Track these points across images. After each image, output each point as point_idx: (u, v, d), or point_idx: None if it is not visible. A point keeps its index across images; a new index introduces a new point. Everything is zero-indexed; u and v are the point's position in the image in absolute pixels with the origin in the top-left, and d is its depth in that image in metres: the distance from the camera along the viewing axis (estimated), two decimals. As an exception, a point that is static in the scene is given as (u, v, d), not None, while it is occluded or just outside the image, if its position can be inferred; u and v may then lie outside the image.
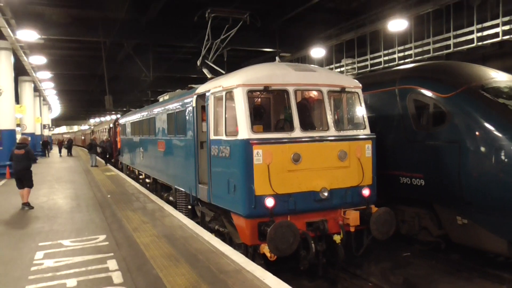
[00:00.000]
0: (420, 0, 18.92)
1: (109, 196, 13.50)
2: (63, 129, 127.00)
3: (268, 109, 9.44)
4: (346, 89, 8.05)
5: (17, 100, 28.30)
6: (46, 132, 50.73)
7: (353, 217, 7.37)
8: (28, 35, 18.02)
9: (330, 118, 7.64)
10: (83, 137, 66.23)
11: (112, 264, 6.59)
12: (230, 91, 7.48)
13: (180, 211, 10.69)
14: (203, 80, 11.16)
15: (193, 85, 10.93)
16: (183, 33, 22.93)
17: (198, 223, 9.45)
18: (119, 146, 24.37)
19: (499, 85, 8.42)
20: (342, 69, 24.59)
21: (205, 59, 11.42)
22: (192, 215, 10.30)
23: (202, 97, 8.96)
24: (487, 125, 7.54)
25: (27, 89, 32.40)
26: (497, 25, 16.07)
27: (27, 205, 11.80)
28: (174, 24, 22.60)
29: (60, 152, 42.59)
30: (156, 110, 13.47)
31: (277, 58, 8.88)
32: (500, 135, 7.35)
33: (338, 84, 7.96)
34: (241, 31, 11.61)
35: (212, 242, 7.64)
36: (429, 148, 8.47)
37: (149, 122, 14.65)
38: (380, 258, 9.03)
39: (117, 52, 27.80)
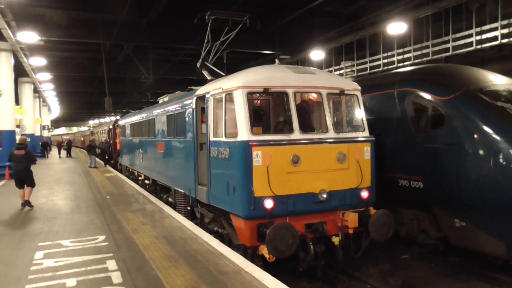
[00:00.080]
0: (419, 3, 18.98)
1: (108, 197, 13.52)
2: (62, 130, 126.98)
3: (267, 111, 9.48)
4: (345, 92, 8.08)
5: (17, 101, 28.31)
6: (46, 133, 50.73)
7: (351, 219, 7.40)
8: (29, 36, 18.06)
9: (329, 120, 7.68)
10: (82, 139, 66.25)
11: (111, 264, 6.62)
12: (230, 93, 7.52)
13: (179, 213, 10.71)
14: (202, 82, 11.20)
15: (193, 87, 10.98)
16: (183, 35, 22.98)
17: (197, 224, 9.47)
18: (118, 147, 24.39)
19: (498, 88, 8.46)
20: (341, 71, 24.65)
21: (205, 61, 11.46)
22: (191, 216, 10.32)
23: (202, 99, 9.00)
24: (485, 128, 7.57)
25: (27, 90, 32.43)
26: (496, 28, 16.12)
27: (27, 204, 11.90)
28: (174, 26, 22.65)
29: (59, 153, 42.59)
30: (156, 111, 13.50)
31: (276, 60, 8.93)
32: (498, 138, 7.38)
33: (337, 86, 8.00)
34: (241, 34, 11.67)
35: (211, 243, 7.66)
36: (428, 150, 8.50)
37: (148, 124, 14.68)
38: (378, 260, 9.04)
39: (117, 54, 27.84)
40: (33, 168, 12.55)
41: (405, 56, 20.39)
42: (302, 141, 7.28)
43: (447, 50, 18.31)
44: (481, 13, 16.98)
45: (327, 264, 7.82)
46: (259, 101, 8.74)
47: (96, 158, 27.16)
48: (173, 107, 11.31)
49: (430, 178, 8.44)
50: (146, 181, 16.18)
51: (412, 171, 8.85)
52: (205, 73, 11.37)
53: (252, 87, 7.31)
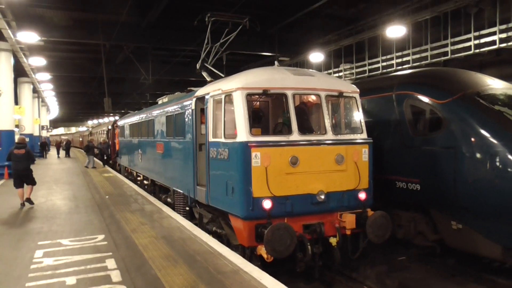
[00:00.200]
0: (418, 7, 19.11)
1: (107, 197, 13.55)
2: (60, 130, 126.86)
3: (266, 113, 9.54)
4: (344, 94, 8.14)
5: (16, 101, 28.31)
6: (44, 134, 50.69)
7: (349, 220, 7.45)
8: (29, 37, 18.10)
9: (327, 122, 7.74)
10: (81, 139, 66.23)
11: (110, 263, 6.66)
12: (229, 94, 7.57)
13: (178, 213, 10.75)
14: (202, 83, 11.25)
15: (192, 88, 11.03)
16: (182, 36, 23.08)
17: (196, 224, 9.51)
18: (117, 148, 24.42)
19: (495, 92, 8.53)
20: (340, 74, 24.74)
21: (205, 62, 11.51)
22: (190, 216, 10.36)
23: (201, 100, 9.05)
24: (482, 131, 7.63)
25: (26, 90, 32.41)
26: (494, 33, 16.25)
27: (29, 201, 12.09)
28: (174, 27, 22.74)
29: (58, 153, 42.57)
30: (155, 112, 13.55)
31: (276, 62, 8.98)
32: (495, 141, 7.44)
33: (336, 88, 8.06)
34: (241, 35, 11.73)
35: (210, 243, 7.71)
36: (425, 153, 8.55)
37: (148, 124, 14.72)
38: (376, 261, 9.08)
39: (117, 54, 27.90)
40: (32, 168, 12.59)
41: (404, 59, 20.49)
42: (301, 143, 7.34)
43: (445, 54, 18.43)
44: (480, 18, 17.10)
45: (324, 265, 7.85)
46: (258, 103, 8.79)
47: (95, 159, 27.16)
48: (172, 108, 11.36)
49: (428, 181, 8.50)
50: (145, 182, 16.22)
51: (409, 174, 8.90)
52: (204, 74, 11.42)
53: (251, 88, 7.37)
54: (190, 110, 9.65)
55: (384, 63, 21.67)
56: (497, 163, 7.33)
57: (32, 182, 12.34)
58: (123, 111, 38.37)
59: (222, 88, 7.86)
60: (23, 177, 12.01)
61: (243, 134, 7.10)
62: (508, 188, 7.17)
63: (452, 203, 8.04)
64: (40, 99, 42.93)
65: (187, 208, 10.47)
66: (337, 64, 25.33)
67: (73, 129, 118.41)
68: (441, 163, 8.18)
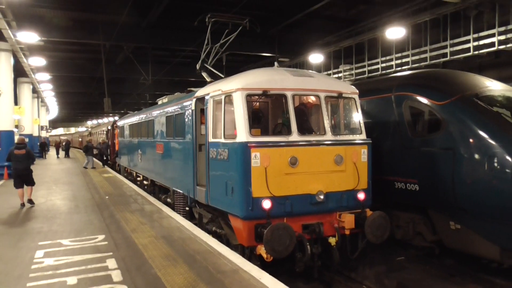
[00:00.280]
0: (417, 9, 19.16)
1: (107, 197, 13.58)
2: (60, 130, 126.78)
3: (266, 113, 9.58)
4: (343, 95, 8.19)
5: (16, 101, 28.33)
6: (44, 134, 50.67)
7: (348, 220, 7.49)
8: (29, 37, 18.13)
9: (327, 123, 7.78)
10: (80, 139, 66.20)
11: (111, 263, 6.69)
12: (229, 95, 7.61)
13: (178, 213, 10.78)
14: (201, 83, 11.29)
15: (192, 89, 11.06)
16: (182, 36, 23.10)
17: (195, 224, 9.55)
18: (117, 148, 24.45)
19: (493, 93, 8.57)
20: (340, 75, 24.79)
21: (204, 63, 11.55)
22: (189, 216, 10.40)
23: (201, 100, 9.09)
24: (480, 132, 7.67)
25: (25, 90, 32.41)
26: (493, 35, 16.31)
27: (30, 202, 12.23)
28: (174, 27, 22.77)
29: (57, 153, 42.56)
30: (155, 112, 13.58)
31: (275, 63, 9.01)
32: (493, 142, 7.48)
33: (335, 89, 8.10)
34: (241, 36, 11.77)
35: (210, 243, 7.75)
36: (424, 154, 8.59)
37: (147, 125, 14.75)
38: (375, 261, 9.12)
39: (117, 54, 27.93)
40: (31, 168, 12.62)
41: (403, 60, 20.55)
42: (300, 143, 7.38)
43: (445, 55, 18.48)
44: (479, 20, 17.16)
45: (323, 265, 7.89)
46: (258, 103, 8.83)
47: (94, 159, 27.18)
48: (172, 109, 11.40)
49: (426, 182, 8.54)
50: (145, 182, 16.25)
51: (408, 174, 8.94)
52: (204, 75, 11.46)
53: (251, 89, 7.40)
54: (190, 111, 9.68)
55: (384, 64, 21.72)
56: (495, 164, 7.37)
57: (31, 182, 12.42)
58: (122, 111, 38.45)
59: (222, 89, 7.89)
60: (23, 177, 12.07)
61: (242, 134, 7.14)
62: (506, 189, 7.22)
63: (451, 204, 8.08)
64: (40, 99, 42.92)
65: (187, 208, 10.51)
66: (337, 65, 25.39)
67: (73, 130, 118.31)
68: (440, 164, 8.22)
